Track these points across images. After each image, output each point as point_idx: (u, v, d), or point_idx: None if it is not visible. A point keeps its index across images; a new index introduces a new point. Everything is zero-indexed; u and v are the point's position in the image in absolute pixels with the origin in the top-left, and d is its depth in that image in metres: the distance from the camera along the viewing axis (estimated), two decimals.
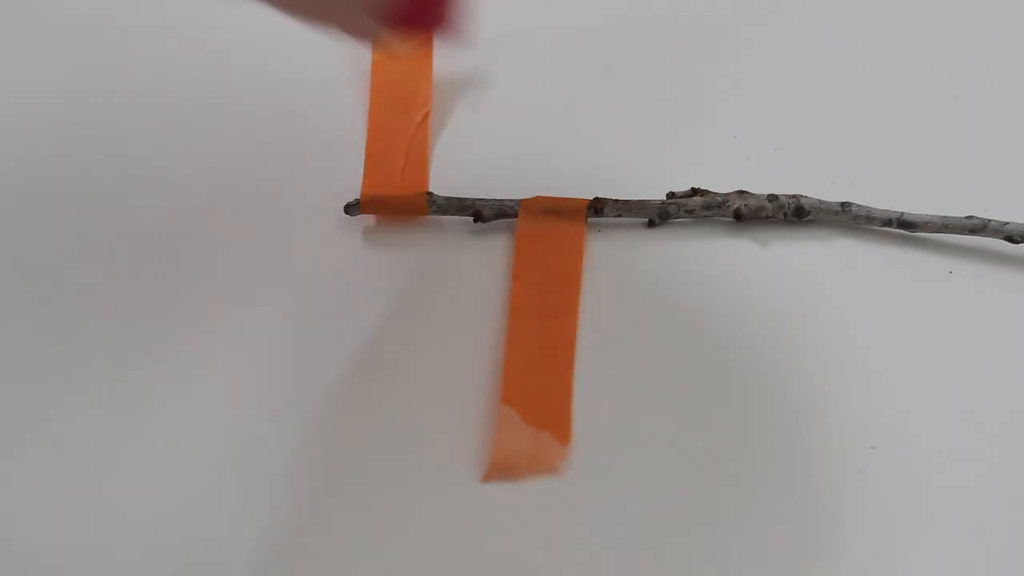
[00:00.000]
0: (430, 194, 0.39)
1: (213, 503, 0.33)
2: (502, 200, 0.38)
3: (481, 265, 0.38)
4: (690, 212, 0.39)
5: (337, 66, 0.43)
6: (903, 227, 0.38)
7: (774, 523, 0.33)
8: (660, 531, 0.33)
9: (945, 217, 0.38)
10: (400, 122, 0.41)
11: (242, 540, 0.33)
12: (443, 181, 0.40)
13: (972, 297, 0.37)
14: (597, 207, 0.38)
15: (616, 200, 0.38)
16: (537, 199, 0.38)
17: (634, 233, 0.39)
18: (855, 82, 0.44)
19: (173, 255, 0.39)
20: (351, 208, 0.39)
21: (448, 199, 0.39)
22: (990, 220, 0.37)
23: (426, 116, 0.41)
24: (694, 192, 0.39)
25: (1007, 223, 0.37)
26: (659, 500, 0.33)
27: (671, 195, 0.39)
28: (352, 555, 0.32)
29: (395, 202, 0.39)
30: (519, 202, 0.38)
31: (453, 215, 0.39)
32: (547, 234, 0.38)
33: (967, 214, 0.38)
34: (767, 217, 0.38)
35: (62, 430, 0.34)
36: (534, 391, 0.35)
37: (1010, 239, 0.37)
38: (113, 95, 0.43)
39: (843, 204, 0.38)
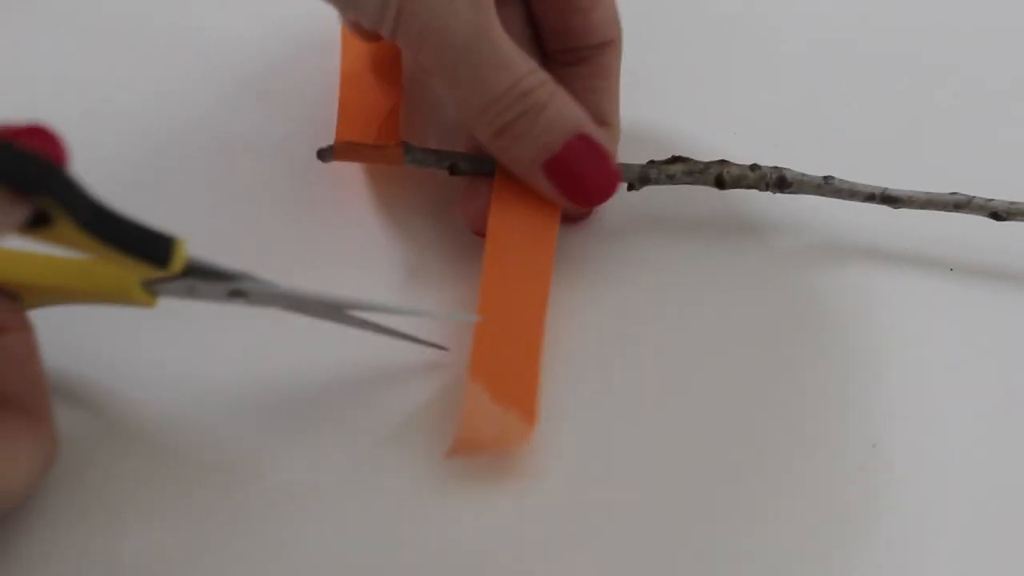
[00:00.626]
0: (406, 144, 0.38)
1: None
2: (480, 156, 0.37)
3: (456, 220, 0.38)
4: (671, 177, 0.38)
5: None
6: (886, 202, 0.37)
7: (764, 516, 0.33)
8: (638, 524, 0.32)
9: (929, 193, 0.37)
10: (375, 66, 0.40)
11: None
12: (422, 135, 0.39)
13: (971, 291, 0.37)
14: None
15: None
16: None
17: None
18: (846, 72, 0.43)
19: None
20: (324, 154, 0.37)
21: (425, 150, 0.38)
22: (974, 196, 0.37)
23: (398, 57, 0.40)
24: (675, 159, 0.38)
25: (991, 199, 0.37)
26: (640, 490, 0.33)
27: (652, 163, 0.39)
28: (311, 529, 0.32)
29: (370, 150, 0.37)
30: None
31: (430, 167, 0.38)
32: (523, 194, 0.37)
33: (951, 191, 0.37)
34: (749, 186, 0.38)
35: None
36: (503, 367, 0.34)
37: (995, 216, 0.37)
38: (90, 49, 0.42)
39: (825, 178, 0.38)
